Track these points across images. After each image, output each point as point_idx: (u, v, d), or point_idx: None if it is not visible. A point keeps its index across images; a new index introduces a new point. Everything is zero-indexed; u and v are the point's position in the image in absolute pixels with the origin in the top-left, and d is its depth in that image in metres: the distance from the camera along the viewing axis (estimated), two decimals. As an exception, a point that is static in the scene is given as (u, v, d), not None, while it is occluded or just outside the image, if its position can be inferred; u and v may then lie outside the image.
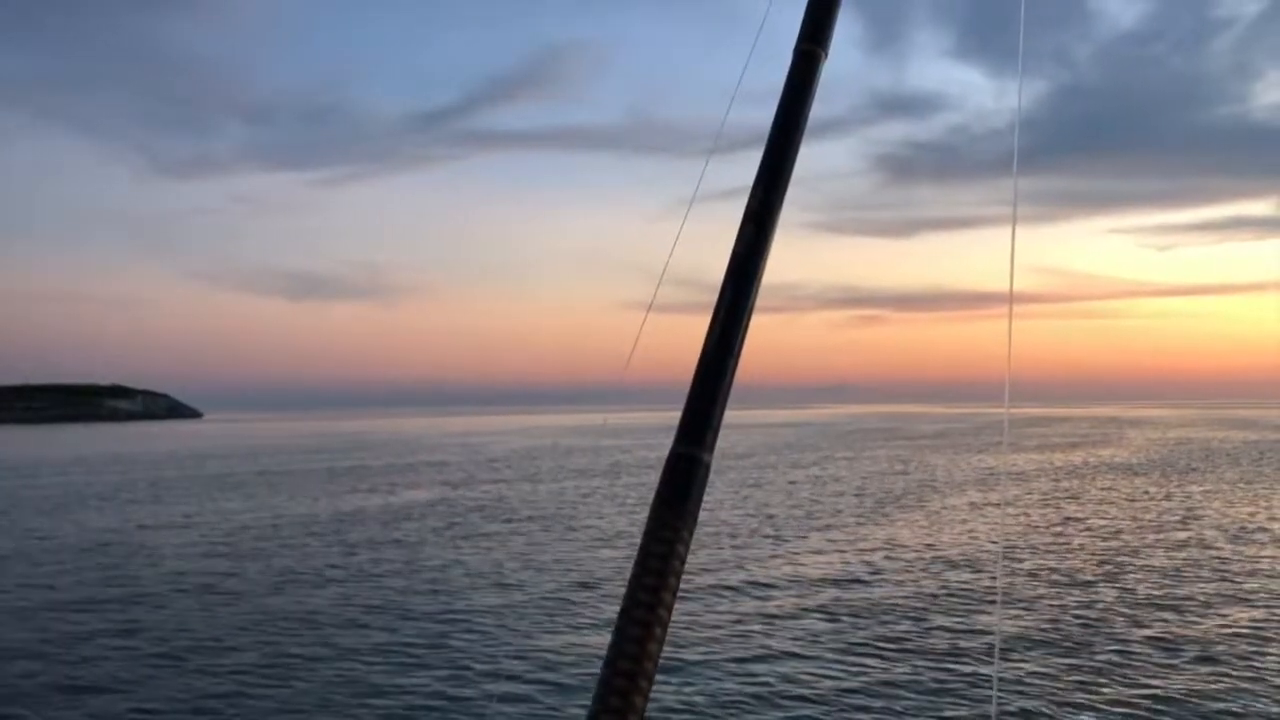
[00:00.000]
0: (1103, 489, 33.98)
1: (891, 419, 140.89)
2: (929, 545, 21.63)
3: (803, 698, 10.97)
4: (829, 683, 11.49)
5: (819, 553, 20.84)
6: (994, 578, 17.76)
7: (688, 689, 11.22)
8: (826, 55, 1.23)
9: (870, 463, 48.84)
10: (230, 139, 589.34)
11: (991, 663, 11.88)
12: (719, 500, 31.01)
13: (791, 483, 37.94)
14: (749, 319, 1.08)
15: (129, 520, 28.17)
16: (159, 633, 14.44)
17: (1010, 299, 1.55)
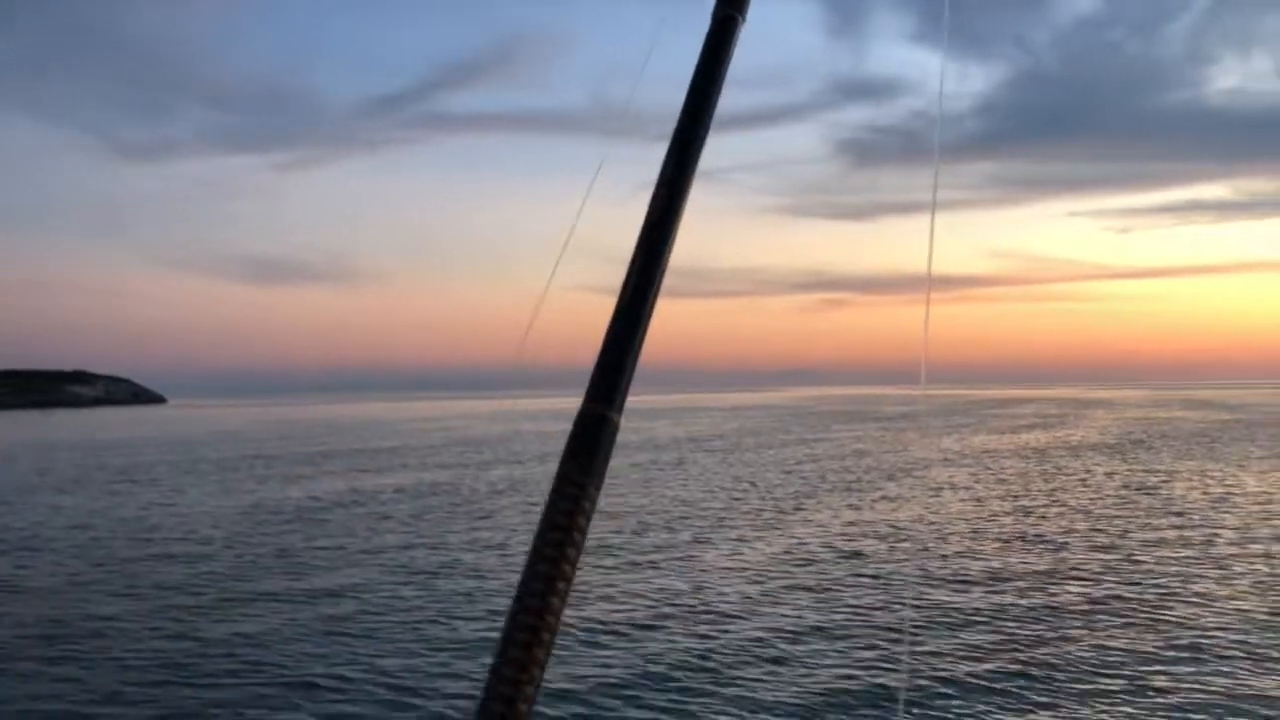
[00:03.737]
0: (1057, 469, 34.51)
1: (856, 401, 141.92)
2: (853, 525, 21.90)
3: (705, 668, 11.24)
4: (734, 659, 11.64)
5: (738, 536, 21.02)
6: (907, 561, 18.00)
7: (595, 652, 11.40)
8: (744, 20, 1.23)
9: (820, 445, 49.25)
10: (190, 123, 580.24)
11: (902, 643, 12.08)
12: (674, 479, 31.12)
13: (733, 466, 38.19)
14: (660, 282, 1.09)
15: (92, 507, 27.84)
16: (96, 624, 14.33)
17: (929, 284, 1.57)
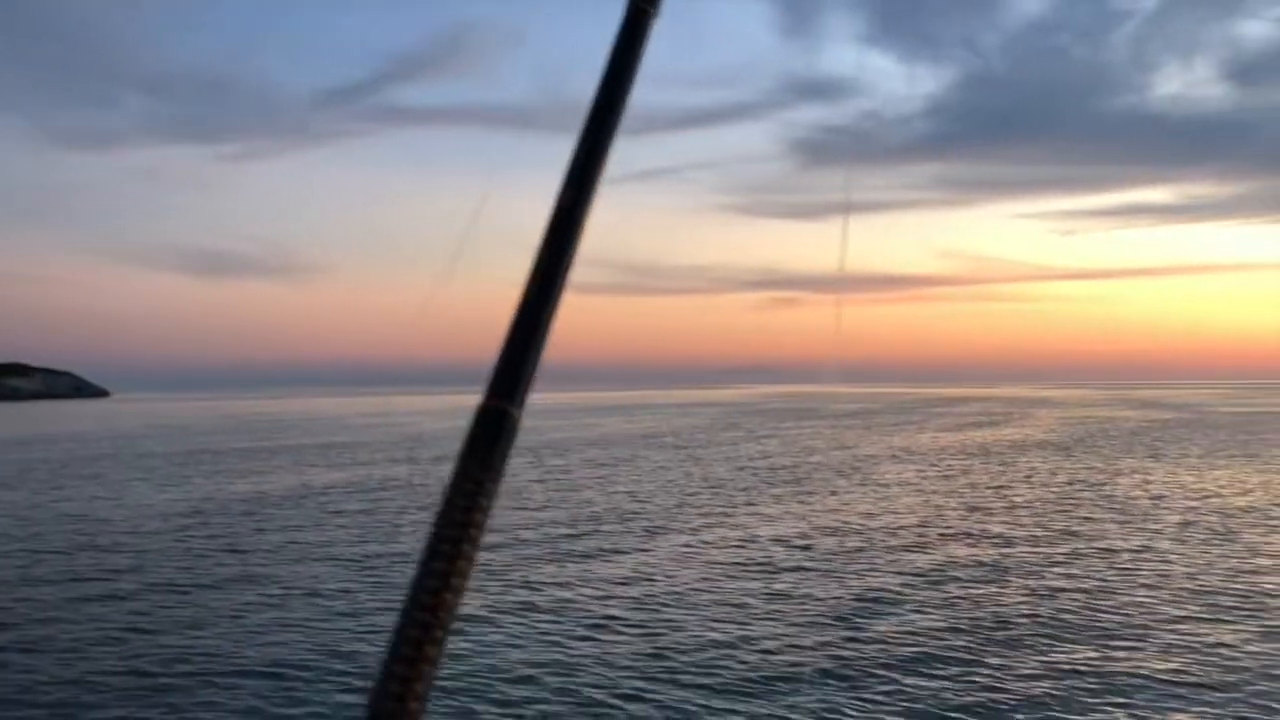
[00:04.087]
0: (1003, 465, 35.08)
1: (808, 398, 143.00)
2: (797, 520, 22.12)
3: (599, 665, 11.24)
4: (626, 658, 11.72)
5: (684, 530, 21.15)
6: (849, 554, 18.23)
7: (495, 647, 11.36)
8: (658, 14, 1.22)
9: (770, 442, 49.60)
10: (130, 111, 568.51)
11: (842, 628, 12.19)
12: (607, 480, 31.15)
13: (684, 462, 38.36)
14: (566, 277, 1.07)
15: (34, 501, 27.26)
16: (33, 622, 14.07)
17: (840, 286, 1.61)
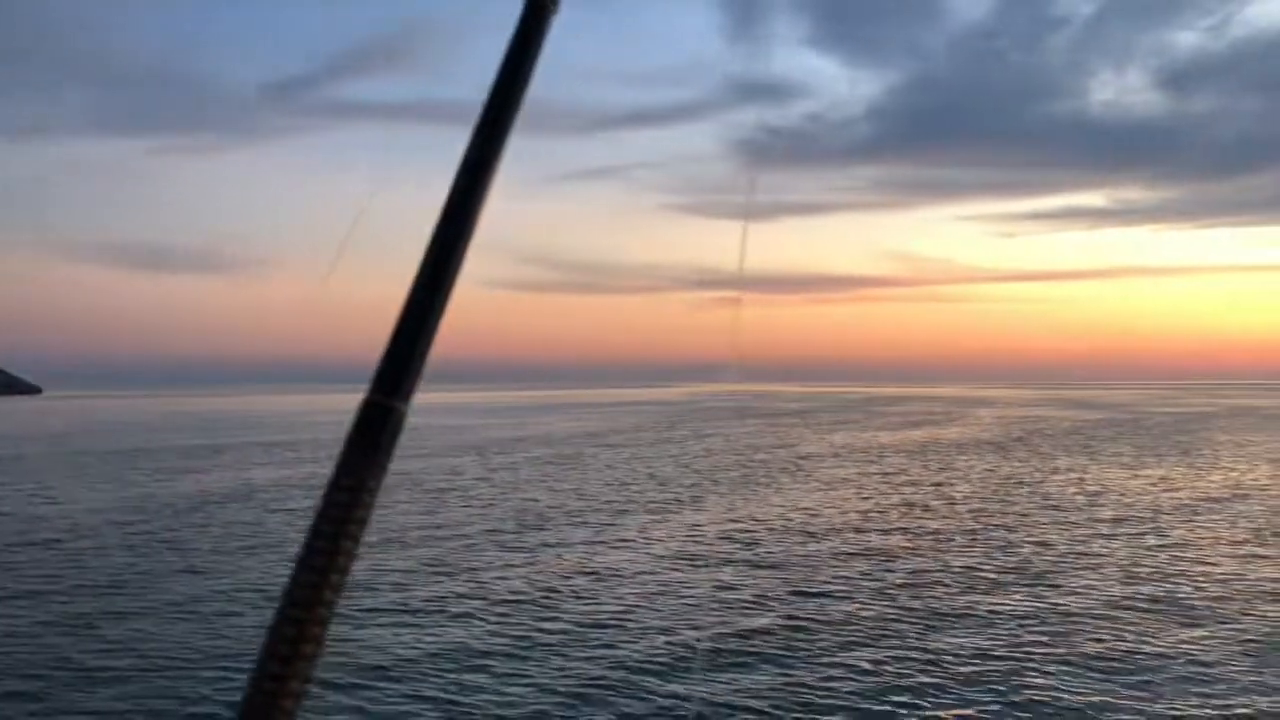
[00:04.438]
0: (942, 463, 35.65)
1: (752, 398, 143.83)
2: (739, 516, 22.33)
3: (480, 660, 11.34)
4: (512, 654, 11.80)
5: (624, 527, 21.25)
6: (789, 549, 18.46)
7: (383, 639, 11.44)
8: (557, 9, 1.20)
9: (714, 440, 49.89)
10: (70, 103, 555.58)
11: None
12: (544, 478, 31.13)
13: (628, 460, 38.45)
14: (458, 270, 1.05)
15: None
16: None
17: (739, 287, 1.65)
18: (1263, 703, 10.10)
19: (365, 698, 10.41)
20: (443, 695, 10.51)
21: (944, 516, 22.90)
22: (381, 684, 10.83)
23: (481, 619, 13.64)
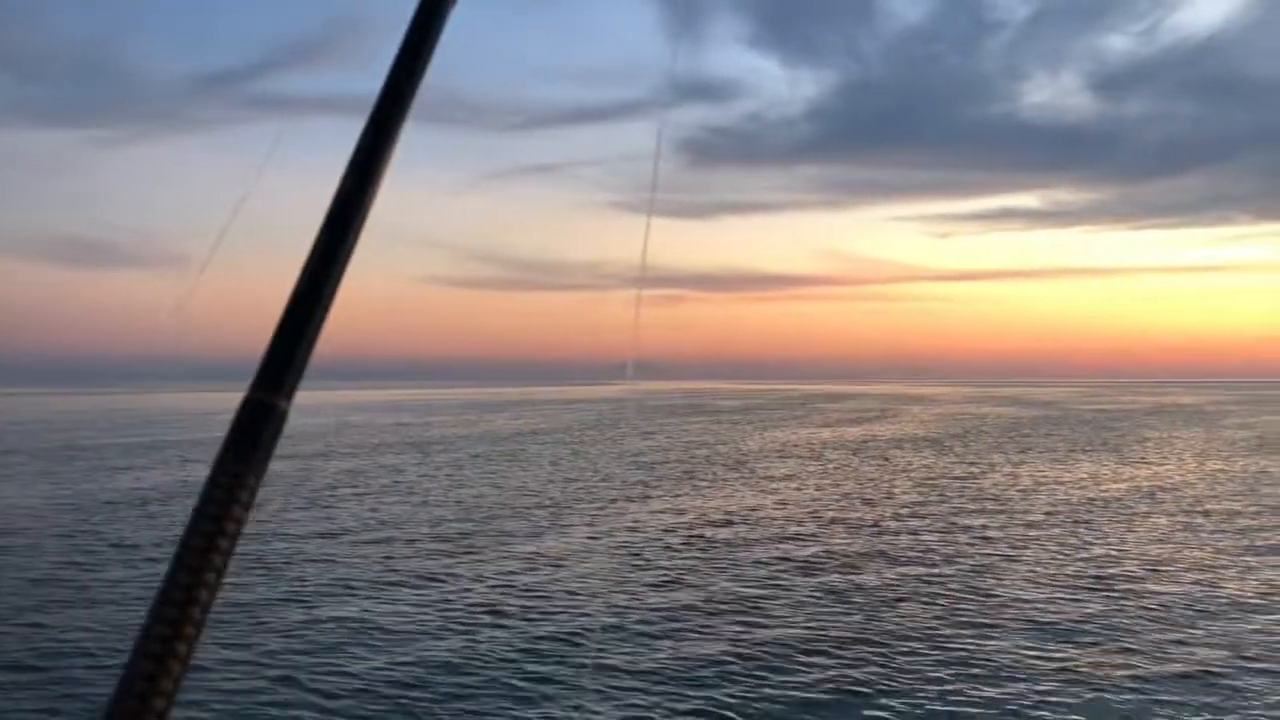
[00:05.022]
0: (881, 459, 36.11)
1: (695, 395, 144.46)
2: (674, 512, 22.44)
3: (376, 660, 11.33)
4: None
5: (563, 523, 21.25)
6: (725, 546, 18.59)
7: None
8: (454, 2, 1.19)
9: (658, 438, 50.02)
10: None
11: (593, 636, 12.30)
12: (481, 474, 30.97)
13: (569, 458, 38.42)
14: (344, 266, 1.03)
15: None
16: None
17: (640, 286, 1.64)
18: (1184, 668, 10.37)
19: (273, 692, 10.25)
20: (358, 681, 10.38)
21: (880, 511, 23.18)
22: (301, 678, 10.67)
23: (419, 618, 13.49)
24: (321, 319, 1.00)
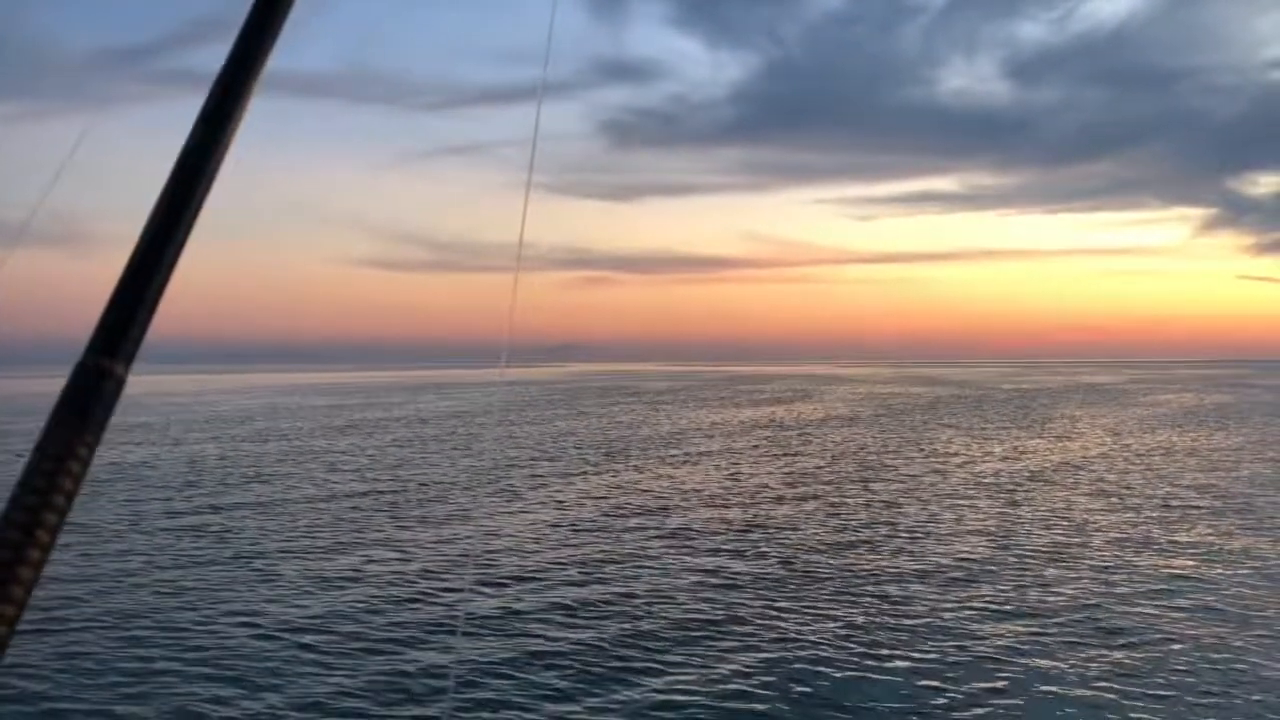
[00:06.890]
0: (805, 437, 36.59)
1: (622, 377, 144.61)
2: (597, 494, 22.53)
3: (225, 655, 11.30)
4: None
5: (486, 505, 21.19)
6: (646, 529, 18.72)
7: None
8: None
9: (583, 420, 50.02)
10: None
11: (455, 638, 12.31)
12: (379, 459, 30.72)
13: (496, 439, 38.25)
14: (187, 233, 0.99)
15: None
16: None
17: (516, 270, 1.65)
18: (1117, 641, 10.72)
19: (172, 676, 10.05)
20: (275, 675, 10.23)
21: (803, 487, 23.48)
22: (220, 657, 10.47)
23: (340, 598, 13.32)
24: (165, 282, 0.96)
